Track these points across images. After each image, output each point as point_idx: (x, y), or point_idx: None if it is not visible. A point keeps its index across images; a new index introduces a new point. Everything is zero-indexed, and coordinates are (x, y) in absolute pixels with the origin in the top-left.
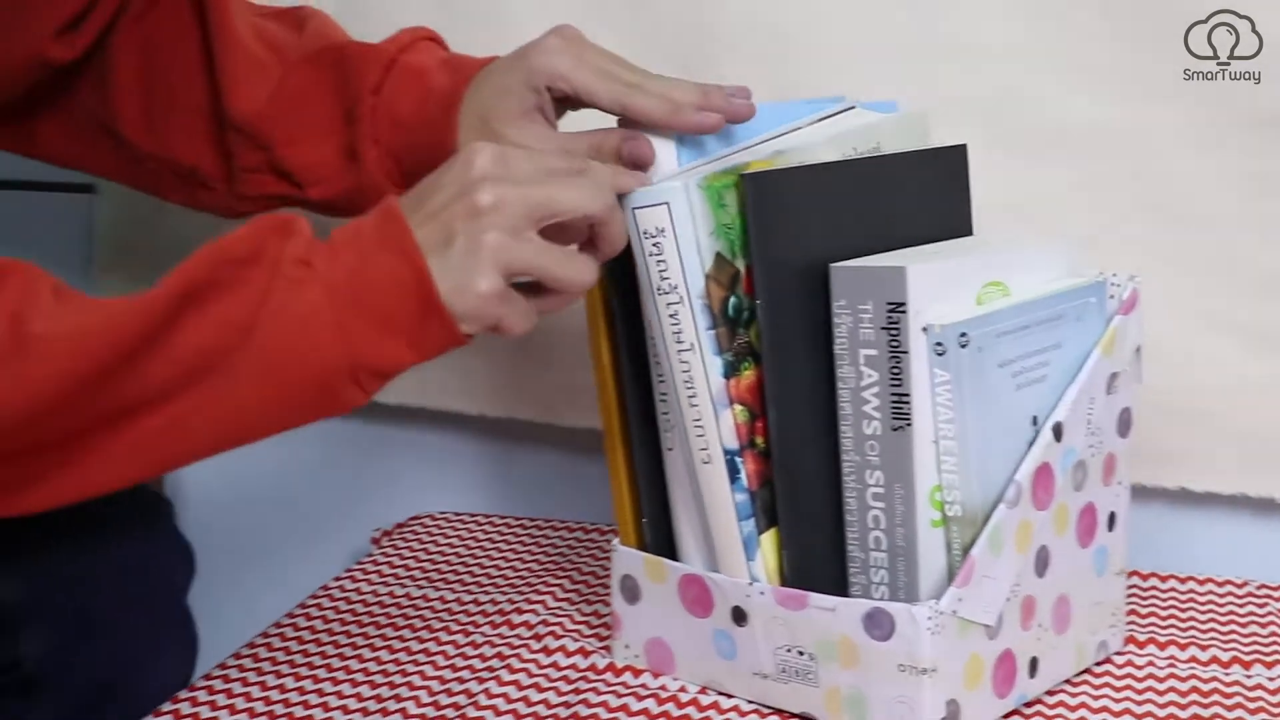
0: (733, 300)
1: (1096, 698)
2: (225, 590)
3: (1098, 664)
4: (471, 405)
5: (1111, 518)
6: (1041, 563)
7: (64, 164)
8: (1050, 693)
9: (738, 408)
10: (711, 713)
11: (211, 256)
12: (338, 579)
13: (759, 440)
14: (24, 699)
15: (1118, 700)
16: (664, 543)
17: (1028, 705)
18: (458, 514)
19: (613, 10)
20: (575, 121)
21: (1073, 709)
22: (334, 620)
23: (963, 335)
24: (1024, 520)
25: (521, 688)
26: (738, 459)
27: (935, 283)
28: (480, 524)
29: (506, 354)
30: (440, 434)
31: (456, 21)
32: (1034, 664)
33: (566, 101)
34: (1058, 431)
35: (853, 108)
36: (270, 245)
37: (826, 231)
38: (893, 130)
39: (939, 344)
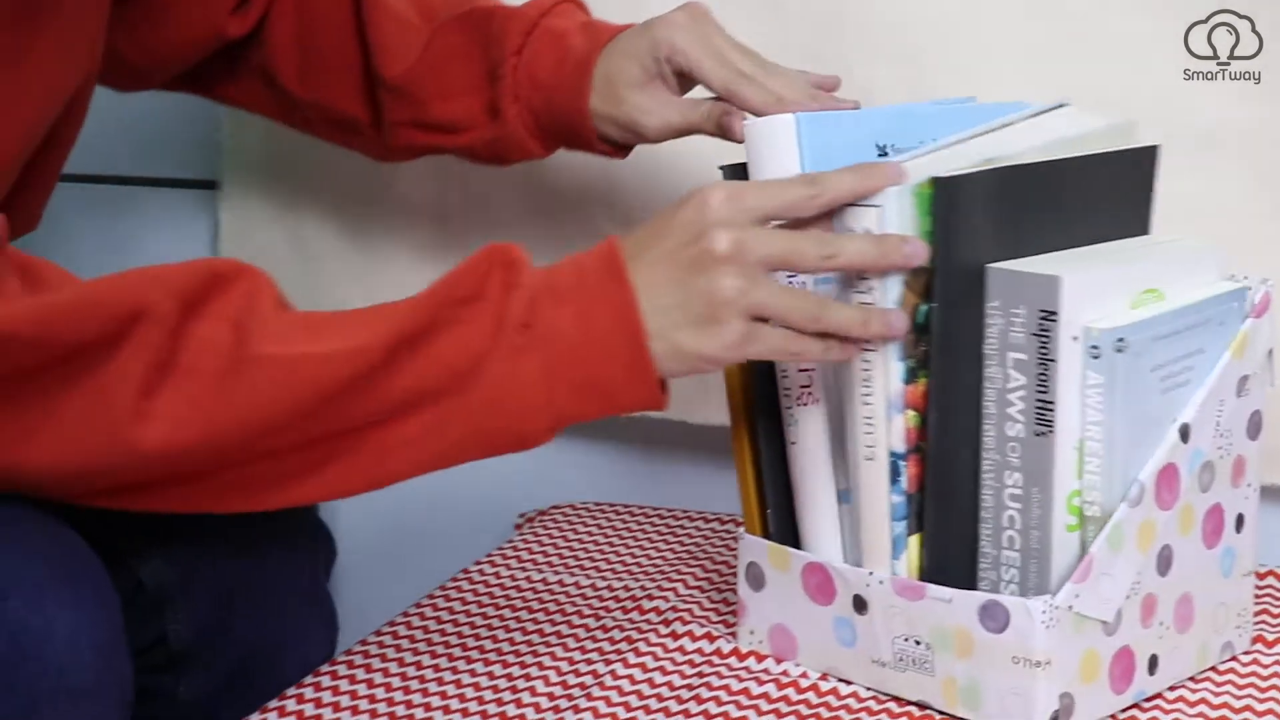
0: (923, 308)
1: (1217, 695)
2: (375, 573)
3: (1222, 663)
4: None
5: (1240, 519)
6: (1164, 562)
7: (225, 103)
8: (1171, 689)
9: (910, 413)
10: (830, 699)
11: (436, 298)
12: (478, 563)
13: (922, 445)
14: (173, 674)
15: (1239, 699)
16: (788, 532)
17: (1147, 701)
18: (597, 504)
19: (749, 2)
20: None
21: (1192, 705)
22: (471, 603)
23: (1120, 340)
24: (1146, 519)
25: (647, 670)
26: (901, 462)
27: (1089, 290)
28: (619, 513)
29: None
30: (589, 431)
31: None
32: (1154, 661)
33: (683, 76)
34: (1184, 433)
35: (1062, 106)
36: (493, 286)
37: (1008, 233)
38: (1101, 140)
39: (1094, 347)
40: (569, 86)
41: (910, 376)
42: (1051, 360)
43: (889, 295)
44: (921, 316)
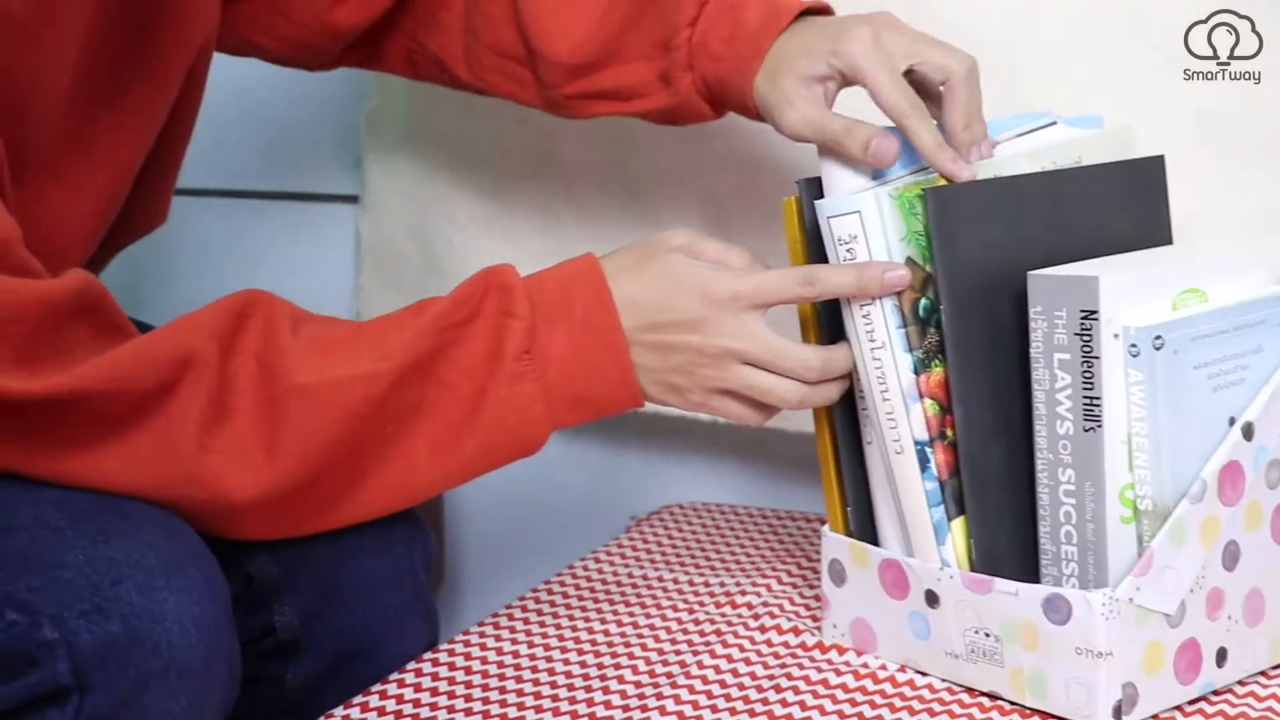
0: (923, 302)
1: None
2: (491, 571)
3: None
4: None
5: None
6: (1230, 557)
7: (403, 76)
8: (1241, 683)
9: (928, 402)
10: (905, 689)
11: (439, 322)
12: (583, 559)
13: (949, 433)
14: (281, 661)
15: None
16: (868, 529)
17: (1216, 694)
18: (705, 504)
19: None
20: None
21: (1261, 700)
22: (573, 596)
23: (1157, 338)
24: (1210, 515)
25: (732, 660)
26: (928, 450)
27: (1127, 290)
28: (724, 513)
29: None
30: (703, 436)
31: None
32: (1222, 654)
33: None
34: (1248, 431)
35: (1054, 123)
36: (489, 307)
37: (1012, 242)
38: (1096, 144)
39: (1134, 345)
40: (741, 60)
41: (920, 367)
42: (1095, 358)
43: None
44: (924, 311)
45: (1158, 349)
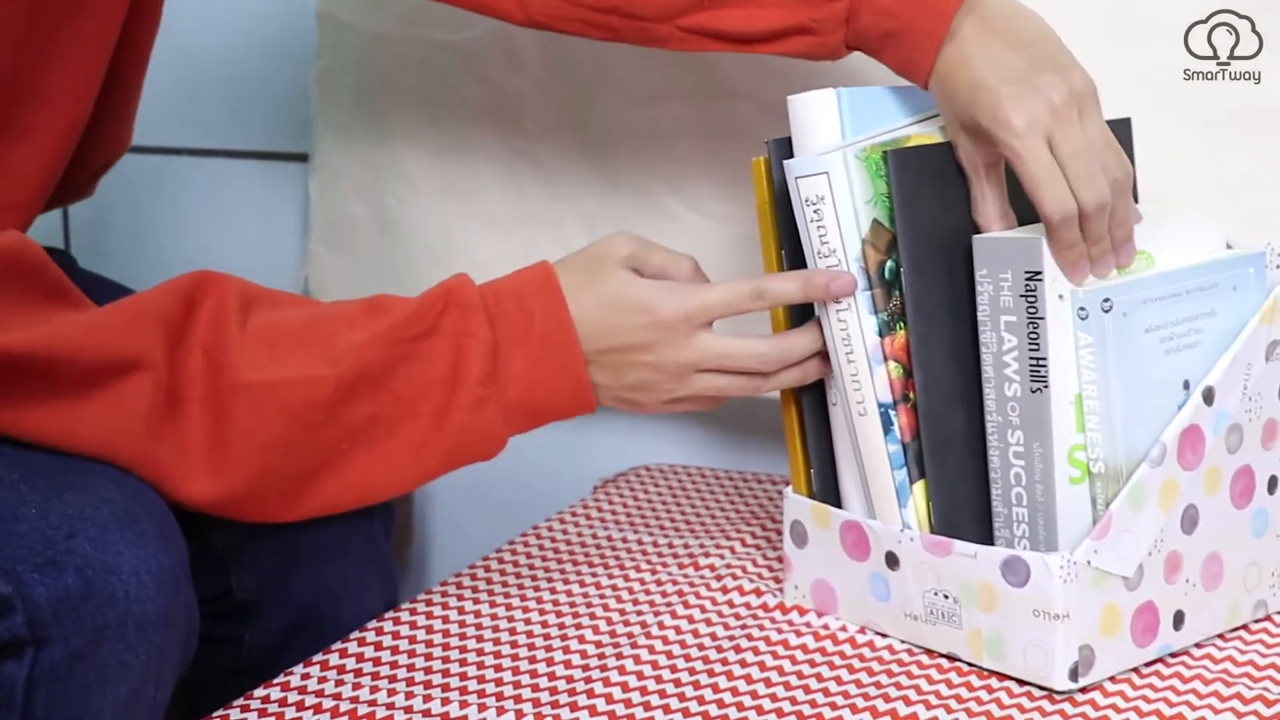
0: (889, 264)
1: (1244, 653)
2: (459, 532)
3: (1255, 622)
4: None
5: (1273, 481)
6: (1189, 521)
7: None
8: (1199, 646)
9: (892, 364)
10: (864, 650)
11: (393, 334)
12: (548, 520)
13: (913, 395)
14: (238, 623)
15: (1265, 656)
16: (831, 491)
17: (1172, 656)
18: (671, 466)
19: None
20: None
21: (1217, 662)
22: (535, 557)
23: (1105, 300)
24: (1169, 479)
25: (693, 621)
26: (891, 412)
27: None
28: (690, 475)
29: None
30: None
31: None
32: (1179, 617)
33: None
34: (1208, 396)
35: None
36: (448, 323)
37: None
38: None
39: (1082, 309)
40: (921, 24)
41: (884, 329)
42: (1040, 319)
43: (849, 252)
44: (889, 273)
45: (1106, 311)
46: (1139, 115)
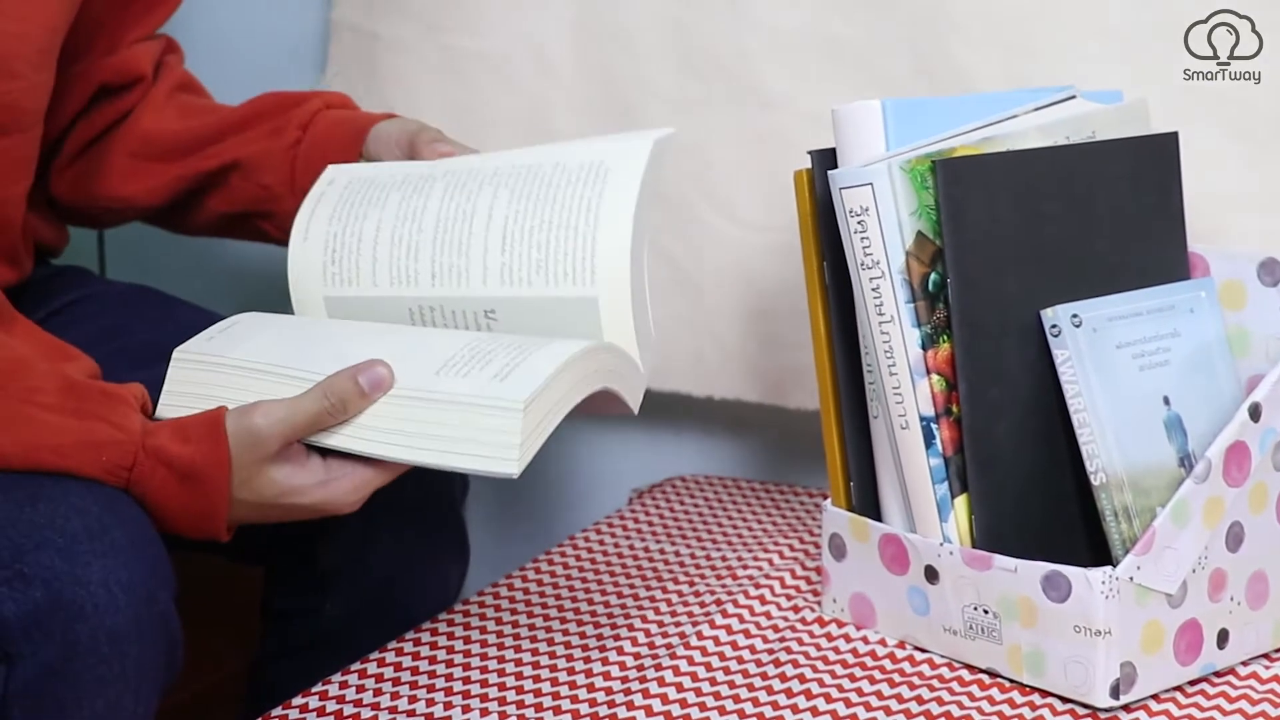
0: (933, 276)
1: None
2: (495, 539)
3: None
4: (745, 391)
5: None
6: (1234, 538)
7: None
8: (1244, 664)
9: (935, 377)
10: (904, 665)
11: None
12: (584, 530)
13: (955, 409)
14: (320, 592)
15: None
16: (870, 504)
17: (1217, 675)
18: (707, 477)
19: None
20: None
21: (1264, 682)
22: (573, 567)
23: (1074, 316)
24: (1213, 496)
25: (731, 633)
26: (933, 426)
27: None
28: (726, 487)
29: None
30: (706, 410)
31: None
32: (1223, 636)
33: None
34: (1254, 412)
35: (1073, 96)
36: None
37: (1021, 216)
38: (1112, 119)
39: (1054, 326)
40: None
41: (928, 342)
42: None
43: (893, 264)
44: (933, 286)
45: (1077, 326)
46: None
